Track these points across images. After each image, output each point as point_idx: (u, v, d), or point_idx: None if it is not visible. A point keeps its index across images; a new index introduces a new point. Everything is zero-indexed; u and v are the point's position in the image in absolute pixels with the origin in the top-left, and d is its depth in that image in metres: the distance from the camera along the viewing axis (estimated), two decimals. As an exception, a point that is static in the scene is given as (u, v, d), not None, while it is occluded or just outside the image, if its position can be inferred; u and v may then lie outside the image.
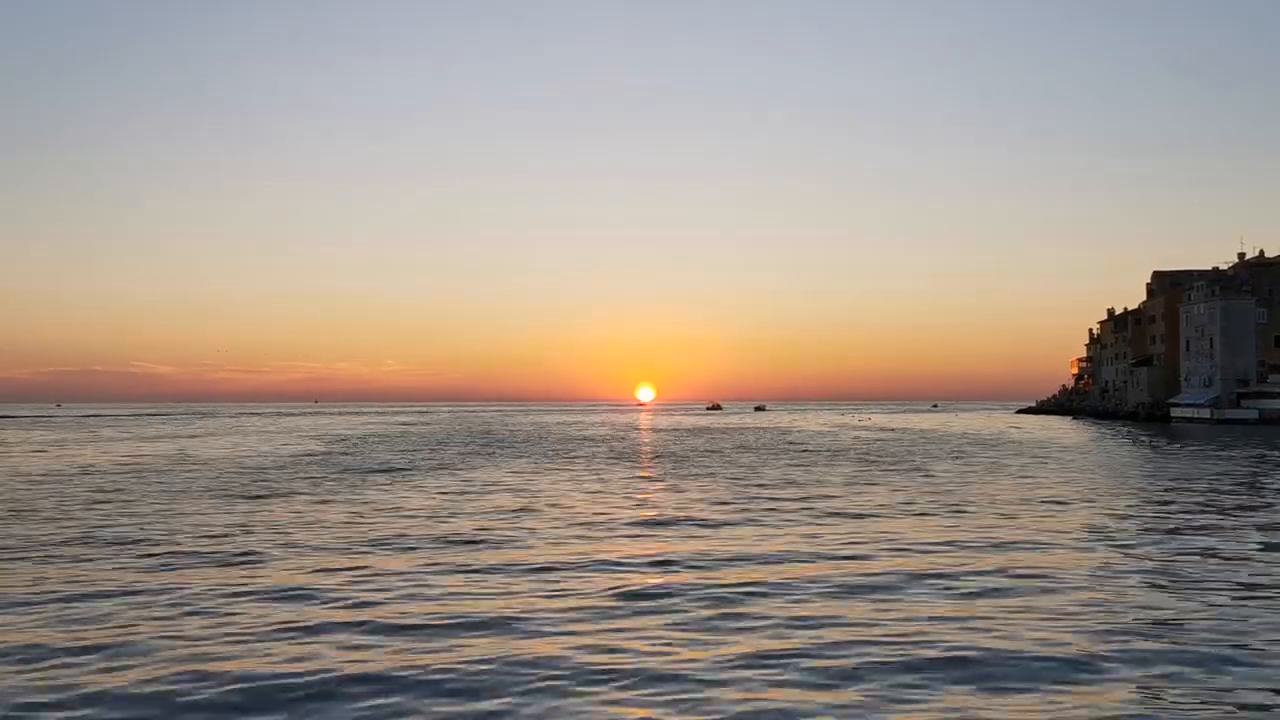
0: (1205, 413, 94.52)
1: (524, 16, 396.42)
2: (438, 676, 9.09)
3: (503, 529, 19.37)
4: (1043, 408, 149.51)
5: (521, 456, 45.11)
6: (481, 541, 17.62)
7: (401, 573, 14.44)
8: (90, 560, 15.71)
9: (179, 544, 17.40)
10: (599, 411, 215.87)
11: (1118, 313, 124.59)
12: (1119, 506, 23.20)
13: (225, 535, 18.56)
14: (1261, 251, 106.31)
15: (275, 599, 12.54)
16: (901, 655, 9.68)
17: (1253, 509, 22.55)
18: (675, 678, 9.01)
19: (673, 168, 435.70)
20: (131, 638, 10.56)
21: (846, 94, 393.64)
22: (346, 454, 46.89)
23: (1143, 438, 62.67)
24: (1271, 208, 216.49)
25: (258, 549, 16.78)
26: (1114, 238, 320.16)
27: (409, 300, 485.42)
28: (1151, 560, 15.42)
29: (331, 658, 9.74)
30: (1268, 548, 16.64)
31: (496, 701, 8.42)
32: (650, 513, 22.22)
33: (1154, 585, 13.35)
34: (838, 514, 21.71)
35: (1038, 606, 11.88)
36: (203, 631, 10.88)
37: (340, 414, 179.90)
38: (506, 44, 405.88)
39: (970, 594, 12.69)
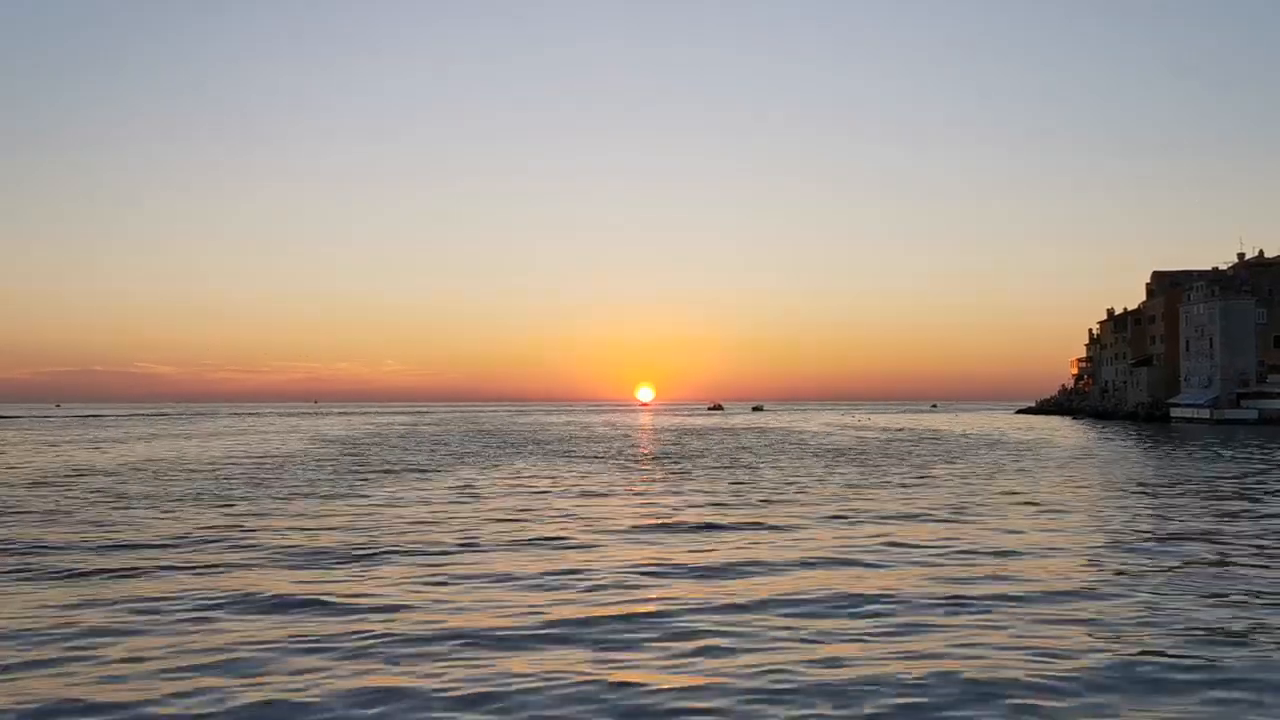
0: (1205, 413, 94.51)
1: (524, 16, 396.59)
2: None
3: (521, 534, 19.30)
4: (1042, 408, 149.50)
5: (527, 457, 45.03)
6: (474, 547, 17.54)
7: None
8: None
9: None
10: (600, 412, 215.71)
11: (1118, 313, 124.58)
12: (1124, 509, 23.11)
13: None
14: (1261, 251, 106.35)
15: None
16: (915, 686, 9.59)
17: (1259, 512, 22.48)
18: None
19: (673, 168, 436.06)
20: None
21: (846, 94, 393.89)
22: (347, 455, 46.84)
23: (1143, 438, 62.62)
24: (1271, 208, 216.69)
25: (248, 560, 16.71)
26: (1114, 238, 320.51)
27: (409, 300, 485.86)
28: (1164, 568, 15.33)
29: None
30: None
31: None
32: (659, 519, 22.13)
33: (1172, 594, 13.28)
34: (845, 518, 21.63)
35: (1065, 618, 11.55)
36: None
37: (340, 414, 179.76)
38: (506, 44, 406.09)
39: (983, 608, 12.24)
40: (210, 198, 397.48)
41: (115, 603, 12.74)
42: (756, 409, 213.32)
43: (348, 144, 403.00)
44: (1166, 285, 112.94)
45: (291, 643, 10.67)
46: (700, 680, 9.22)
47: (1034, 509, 23.28)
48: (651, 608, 12.33)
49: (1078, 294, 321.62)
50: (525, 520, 21.34)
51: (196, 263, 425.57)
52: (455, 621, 11.61)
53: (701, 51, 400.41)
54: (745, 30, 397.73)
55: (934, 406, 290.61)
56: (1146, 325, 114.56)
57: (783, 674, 9.37)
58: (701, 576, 14.50)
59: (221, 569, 15.32)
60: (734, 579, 14.27)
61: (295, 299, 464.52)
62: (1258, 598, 12.80)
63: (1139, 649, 10.23)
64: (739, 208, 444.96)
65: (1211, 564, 15.47)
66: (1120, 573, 14.67)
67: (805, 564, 15.46)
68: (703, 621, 11.53)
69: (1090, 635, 10.82)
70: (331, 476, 33.64)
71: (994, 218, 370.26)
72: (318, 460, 42.99)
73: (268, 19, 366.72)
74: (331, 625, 11.50)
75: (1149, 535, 18.73)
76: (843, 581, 13.99)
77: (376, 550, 17.08)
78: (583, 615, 11.94)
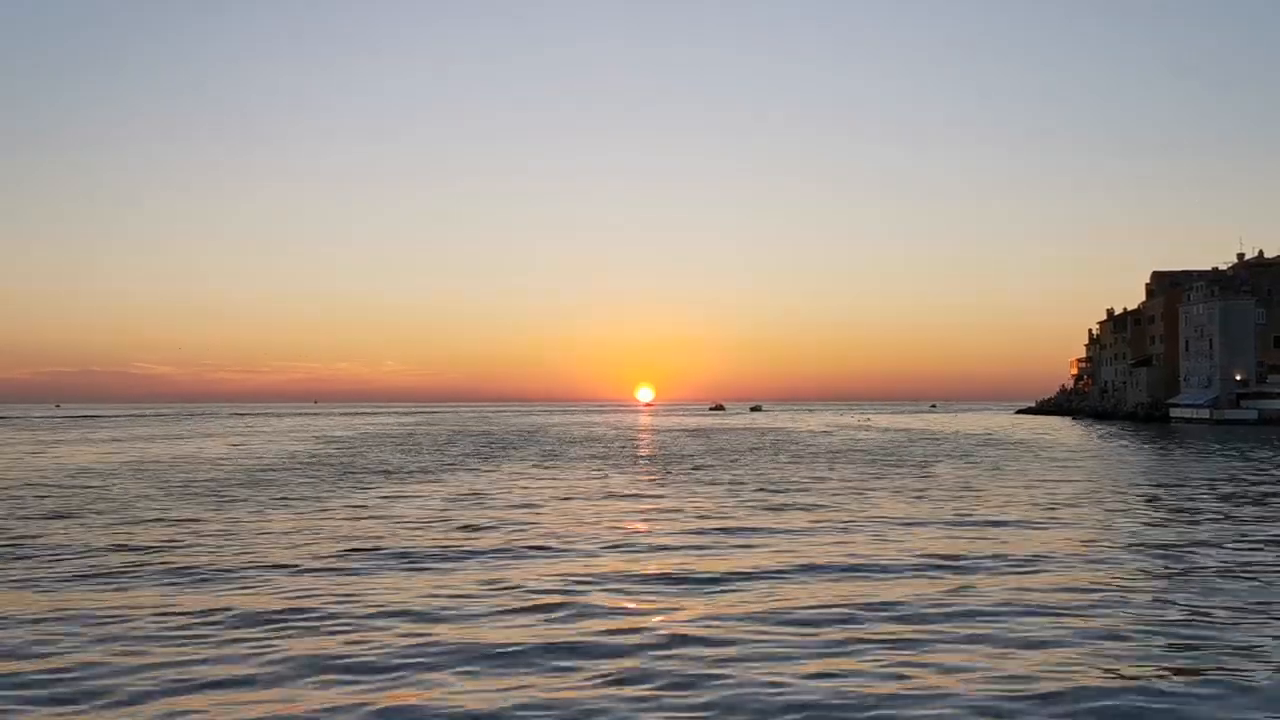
0: (1204, 413, 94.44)
1: (524, 16, 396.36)
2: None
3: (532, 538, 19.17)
4: (1042, 408, 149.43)
5: (534, 458, 44.91)
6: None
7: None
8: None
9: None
10: (602, 412, 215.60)
11: (1117, 313, 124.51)
12: (1128, 513, 23.02)
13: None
14: (1261, 252, 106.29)
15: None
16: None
17: (1266, 515, 22.39)
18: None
19: (673, 168, 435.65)
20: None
21: (846, 94, 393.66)
22: (349, 456, 46.73)
23: (1143, 438, 62.55)
24: (1271, 208, 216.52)
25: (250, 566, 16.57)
26: (1114, 238, 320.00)
27: (409, 300, 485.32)
28: (1180, 576, 15.21)
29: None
30: None
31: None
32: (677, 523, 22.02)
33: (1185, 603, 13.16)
34: (855, 523, 21.52)
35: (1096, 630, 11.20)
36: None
37: (340, 415, 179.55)
38: (506, 44, 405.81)
39: (1003, 621, 11.69)
40: (210, 198, 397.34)
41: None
42: (755, 409, 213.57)
43: (348, 144, 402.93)
44: (1166, 285, 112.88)
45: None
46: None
47: (1040, 513, 23.12)
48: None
49: (1078, 294, 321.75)
50: (526, 525, 21.19)
51: (196, 263, 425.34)
52: (455, 635, 11.47)
53: (701, 51, 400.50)
54: (745, 30, 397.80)
55: (933, 406, 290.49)
56: (1146, 325, 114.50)
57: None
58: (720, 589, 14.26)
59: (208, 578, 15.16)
60: (738, 590, 14.11)
61: (295, 299, 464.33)
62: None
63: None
64: (739, 208, 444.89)
65: (1238, 577, 15.33)
66: (1136, 581, 14.53)
67: (815, 569, 15.26)
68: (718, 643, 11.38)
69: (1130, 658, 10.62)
70: (311, 481, 33.47)
71: (994, 218, 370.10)
72: (304, 465, 42.80)
73: (268, 19, 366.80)
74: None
75: (1165, 545, 18.57)
76: (868, 591, 13.84)
77: (357, 559, 16.92)
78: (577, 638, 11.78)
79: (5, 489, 29.14)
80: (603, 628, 11.24)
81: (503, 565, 15.53)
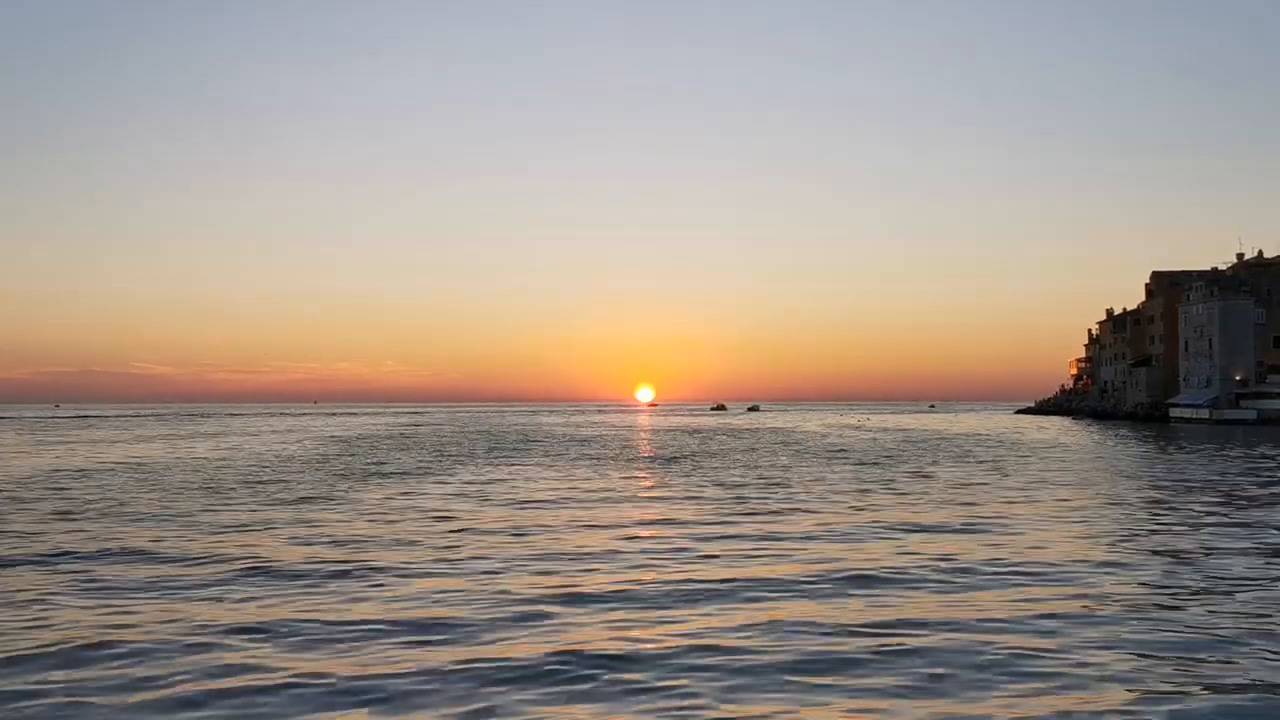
0: (1204, 413, 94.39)
1: (524, 16, 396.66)
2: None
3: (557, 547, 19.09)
4: (1042, 408, 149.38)
5: (525, 461, 44.83)
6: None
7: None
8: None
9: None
10: (602, 412, 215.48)
11: (1117, 313, 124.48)
12: (1133, 515, 22.96)
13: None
14: (1260, 252, 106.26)
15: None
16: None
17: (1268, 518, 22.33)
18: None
19: (673, 168, 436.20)
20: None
21: (846, 94, 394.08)
22: (351, 455, 46.64)
23: (1143, 439, 62.47)
24: (1271, 208, 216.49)
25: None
26: (1114, 238, 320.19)
27: (409, 300, 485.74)
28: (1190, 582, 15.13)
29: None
30: None
31: None
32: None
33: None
34: (869, 529, 21.44)
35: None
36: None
37: (338, 415, 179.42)
38: (506, 44, 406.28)
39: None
40: (210, 198, 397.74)
41: None
42: (752, 409, 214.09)
43: (348, 144, 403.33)
44: (1166, 285, 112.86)
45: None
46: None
47: (1047, 518, 23.04)
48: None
49: (1078, 294, 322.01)
50: (529, 531, 21.10)
51: (196, 263, 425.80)
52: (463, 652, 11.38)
53: (701, 51, 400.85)
54: (745, 30, 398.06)
55: (932, 407, 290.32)
56: (1146, 325, 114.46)
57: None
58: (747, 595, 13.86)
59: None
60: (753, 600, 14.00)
61: (295, 299, 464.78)
62: None
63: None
64: (739, 208, 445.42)
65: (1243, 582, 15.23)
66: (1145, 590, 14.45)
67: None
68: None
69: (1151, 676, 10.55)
70: (331, 479, 33.39)
71: (994, 218, 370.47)
72: (310, 463, 42.70)
73: (268, 19, 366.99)
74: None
75: (1174, 551, 18.48)
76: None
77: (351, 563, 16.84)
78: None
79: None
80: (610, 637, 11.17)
81: (500, 572, 15.45)
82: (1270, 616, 11.68)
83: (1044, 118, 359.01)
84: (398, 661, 9.87)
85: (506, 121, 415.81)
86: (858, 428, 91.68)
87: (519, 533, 19.37)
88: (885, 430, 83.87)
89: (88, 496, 26.82)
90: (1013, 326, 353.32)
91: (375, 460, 43.64)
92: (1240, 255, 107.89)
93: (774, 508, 23.69)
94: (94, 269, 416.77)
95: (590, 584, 13.94)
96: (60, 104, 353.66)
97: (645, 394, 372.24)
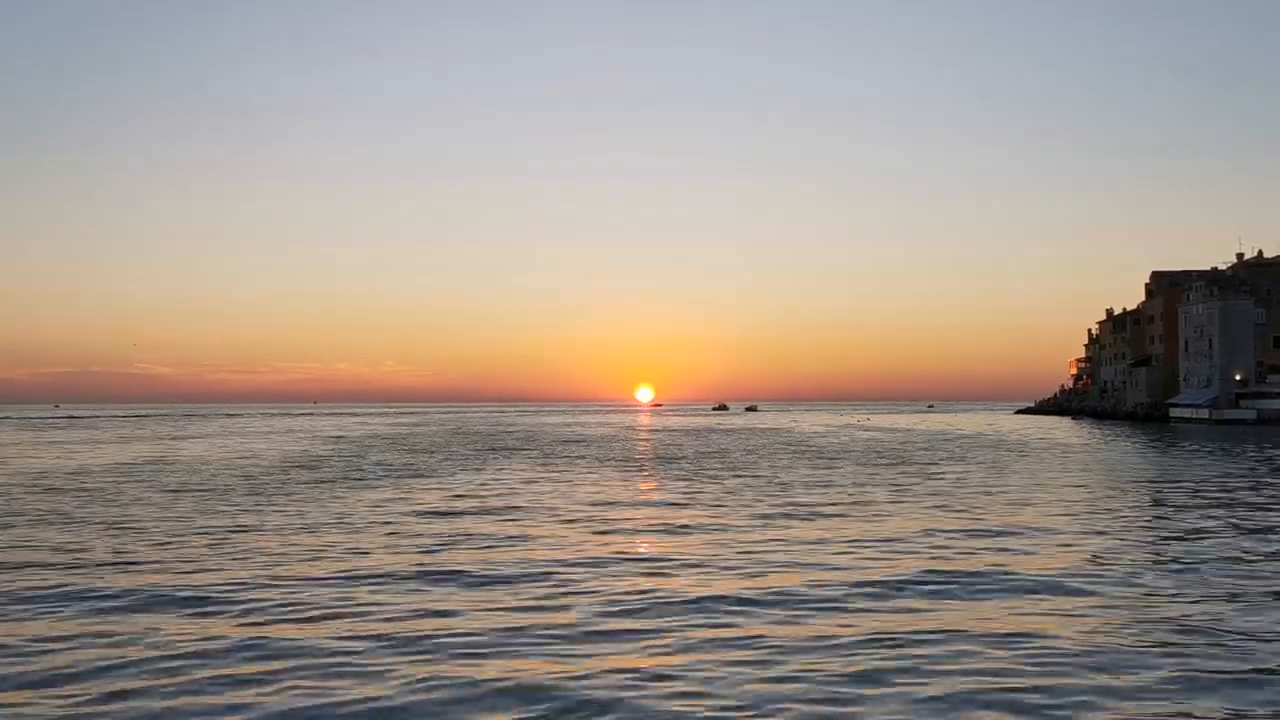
0: (1204, 413, 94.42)
1: (524, 16, 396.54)
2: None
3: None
4: (1042, 408, 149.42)
5: (534, 460, 44.83)
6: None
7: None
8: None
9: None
10: (603, 412, 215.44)
11: (1117, 313, 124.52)
12: (1137, 517, 22.98)
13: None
14: (1260, 252, 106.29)
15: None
16: None
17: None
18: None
19: (673, 168, 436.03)
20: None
21: (846, 94, 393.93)
22: (355, 456, 46.65)
23: (1143, 439, 62.50)
24: (1271, 208, 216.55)
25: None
26: (1114, 238, 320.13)
27: (409, 300, 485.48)
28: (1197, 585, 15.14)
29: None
30: None
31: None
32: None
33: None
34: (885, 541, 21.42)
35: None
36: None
37: (338, 416, 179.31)
38: (506, 44, 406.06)
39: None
40: (210, 198, 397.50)
41: None
42: (750, 409, 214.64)
43: (348, 144, 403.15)
44: (1166, 285, 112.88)
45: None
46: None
47: (1047, 520, 23.04)
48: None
49: (1078, 294, 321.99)
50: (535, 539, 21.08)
51: (196, 263, 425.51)
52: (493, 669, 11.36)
53: (701, 51, 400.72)
54: (745, 30, 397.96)
55: (930, 407, 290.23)
56: (1146, 325, 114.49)
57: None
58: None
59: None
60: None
61: (295, 299, 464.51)
62: None
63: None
64: (739, 208, 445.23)
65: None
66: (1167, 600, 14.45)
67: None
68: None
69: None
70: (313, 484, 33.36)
71: (994, 218, 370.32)
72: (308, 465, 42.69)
73: (268, 19, 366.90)
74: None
75: (1180, 559, 18.47)
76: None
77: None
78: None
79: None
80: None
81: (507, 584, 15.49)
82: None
83: (1044, 118, 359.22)
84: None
85: (506, 121, 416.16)
86: (858, 427, 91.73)
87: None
88: (886, 431, 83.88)
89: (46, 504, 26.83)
90: (1013, 326, 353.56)
91: (373, 462, 43.66)
92: (1240, 255, 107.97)
93: (778, 514, 23.71)
94: (94, 269, 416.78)
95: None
96: (60, 104, 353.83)
97: (645, 394, 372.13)
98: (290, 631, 11.23)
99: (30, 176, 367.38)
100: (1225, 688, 9.04)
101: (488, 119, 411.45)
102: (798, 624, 11.57)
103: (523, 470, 37.50)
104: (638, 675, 9.44)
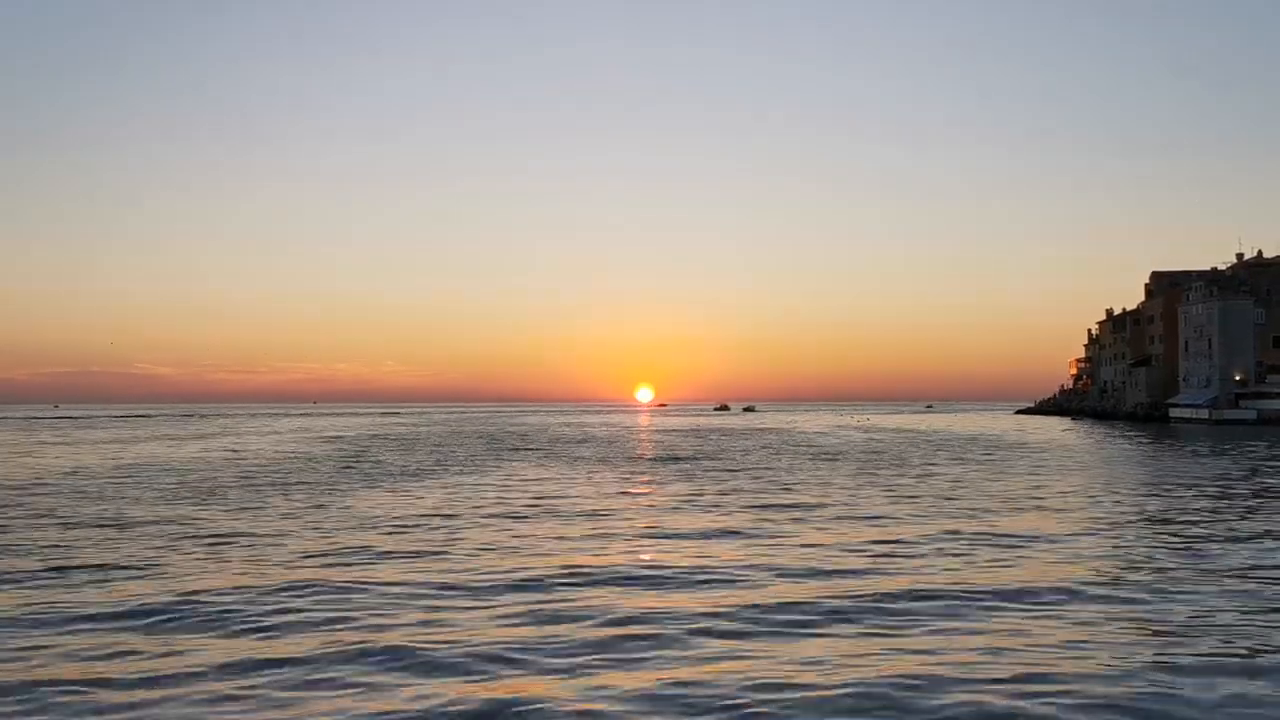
0: (1204, 413, 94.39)
1: (524, 16, 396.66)
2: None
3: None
4: (1041, 408, 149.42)
5: (535, 461, 44.80)
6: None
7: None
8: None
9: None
10: (603, 412, 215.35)
11: (1116, 313, 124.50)
12: (1137, 518, 22.95)
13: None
14: (1260, 252, 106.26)
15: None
16: None
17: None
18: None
19: (673, 168, 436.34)
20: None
21: (846, 94, 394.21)
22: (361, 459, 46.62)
23: (1143, 439, 62.46)
24: (1271, 208, 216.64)
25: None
26: (1114, 238, 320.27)
27: (409, 300, 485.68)
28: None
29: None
30: None
31: None
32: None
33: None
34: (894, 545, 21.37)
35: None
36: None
37: (338, 415, 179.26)
38: (506, 44, 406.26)
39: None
40: (210, 198, 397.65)
41: None
42: (747, 409, 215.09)
43: (348, 144, 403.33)
44: (1165, 285, 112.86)
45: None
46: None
47: (1051, 524, 23.01)
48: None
49: (1078, 294, 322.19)
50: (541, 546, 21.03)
51: (196, 263, 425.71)
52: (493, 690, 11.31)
53: (701, 51, 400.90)
54: (745, 30, 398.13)
55: (929, 407, 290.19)
56: (1145, 325, 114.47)
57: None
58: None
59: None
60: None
61: (295, 299, 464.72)
62: None
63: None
64: (739, 208, 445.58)
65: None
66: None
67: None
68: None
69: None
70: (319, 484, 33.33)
71: (994, 218, 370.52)
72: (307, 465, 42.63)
73: (268, 19, 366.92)
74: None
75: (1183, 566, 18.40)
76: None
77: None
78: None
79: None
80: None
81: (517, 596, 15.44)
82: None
83: (1044, 118, 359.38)
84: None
85: (506, 121, 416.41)
86: (857, 428, 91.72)
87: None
88: (885, 431, 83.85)
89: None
90: (1013, 326, 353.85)
91: (376, 463, 43.63)
92: (1240, 255, 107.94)
93: (779, 517, 23.67)
94: (94, 269, 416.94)
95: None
96: (60, 104, 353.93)
97: (645, 394, 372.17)
98: (272, 644, 11.16)
99: (30, 176, 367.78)
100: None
101: (488, 119, 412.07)
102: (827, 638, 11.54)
103: (523, 471, 37.46)
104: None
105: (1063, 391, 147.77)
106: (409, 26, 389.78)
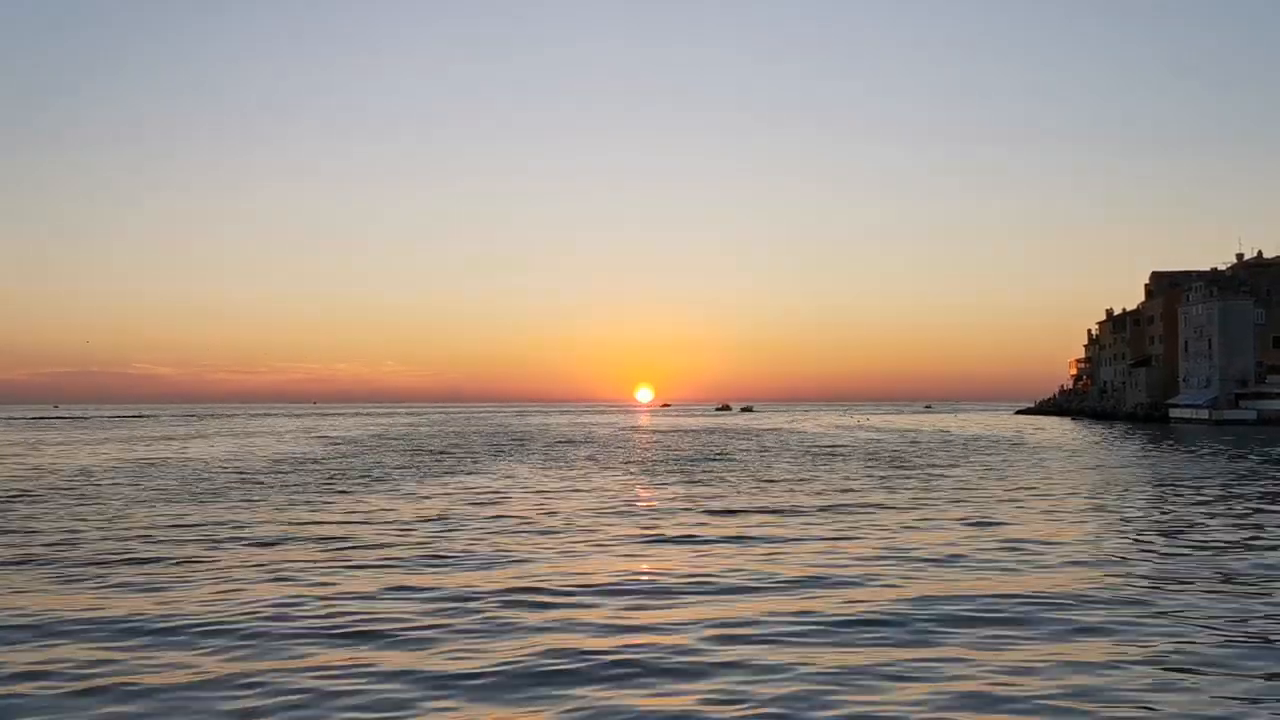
0: (1204, 413, 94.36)
1: (524, 16, 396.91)
2: None
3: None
4: (1041, 408, 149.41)
5: (537, 462, 44.72)
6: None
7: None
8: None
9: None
10: (603, 412, 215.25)
11: (1116, 313, 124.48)
12: (1138, 519, 22.89)
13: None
14: (1260, 252, 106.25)
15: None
16: None
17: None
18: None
19: (673, 168, 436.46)
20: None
21: (846, 94, 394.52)
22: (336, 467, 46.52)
23: (1143, 439, 62.41)
24: (1271, 208, 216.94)
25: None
26: (1114, 238, 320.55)
27: (409, 300, 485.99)
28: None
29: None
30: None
31: None
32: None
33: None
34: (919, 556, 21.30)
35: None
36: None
37: (338, 415, 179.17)
38: (506, 44, 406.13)
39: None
40: (210, 198, 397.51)
41: None
42: (745, 409, 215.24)
43: (348, 144, 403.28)
44: (1165, 286, 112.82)
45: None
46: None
47: (1055, 527, 22.93)
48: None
49: (1078, 294, 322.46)
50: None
51: (196, 263, 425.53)
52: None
53: (701, 51, 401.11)
54: (745, 30, 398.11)
55: (928, 407, 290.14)
56: (1145, 326, 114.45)
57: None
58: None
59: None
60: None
61: (295, 299, 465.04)
62: None
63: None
64: (739, 208, 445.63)
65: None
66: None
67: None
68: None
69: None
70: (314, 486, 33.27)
71: (994, 218, 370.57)
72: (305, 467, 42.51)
73: (268, 19, 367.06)
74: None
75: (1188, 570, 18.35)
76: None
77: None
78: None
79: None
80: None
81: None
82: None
83: (1044, 118, 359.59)
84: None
85: (506, 121, 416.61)
86: (857, 427, 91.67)
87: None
88: (893, 431, 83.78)
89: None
90: (1013, 326, 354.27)
91: (372, 464, 43.54)
92: (1240, 255, 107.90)
93: (782, 521, 23.59)
94: (94, 269, 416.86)
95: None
96: (60, 104, 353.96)
97: (645, 394, 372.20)
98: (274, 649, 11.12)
99: (30, 176, 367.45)
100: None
101: (488, 119, 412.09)
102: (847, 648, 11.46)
103: (524, 471, 37.35)
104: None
105: (1063, 392, 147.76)
106: (409, 26, 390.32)
